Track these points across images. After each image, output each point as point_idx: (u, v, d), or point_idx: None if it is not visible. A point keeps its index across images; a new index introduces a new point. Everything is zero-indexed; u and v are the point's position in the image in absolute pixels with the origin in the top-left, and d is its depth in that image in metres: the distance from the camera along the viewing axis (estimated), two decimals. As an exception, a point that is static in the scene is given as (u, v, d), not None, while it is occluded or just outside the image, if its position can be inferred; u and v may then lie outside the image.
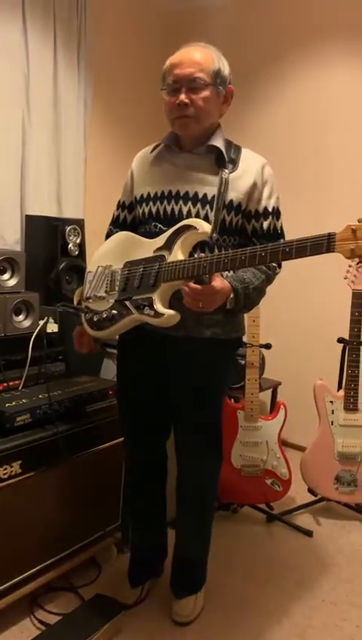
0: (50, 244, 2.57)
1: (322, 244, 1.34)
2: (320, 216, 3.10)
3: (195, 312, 1.56)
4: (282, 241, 1.72)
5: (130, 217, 1.85)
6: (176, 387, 1.78)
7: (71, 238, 2.59)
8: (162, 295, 1.59)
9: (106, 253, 1.79)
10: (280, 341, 2.91)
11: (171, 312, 1.57)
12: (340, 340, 2.62)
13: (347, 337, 2.57)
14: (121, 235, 1.78)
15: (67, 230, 2.58)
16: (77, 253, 2.62)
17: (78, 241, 2.63)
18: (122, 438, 2.06)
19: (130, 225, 1.84)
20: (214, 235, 1.59)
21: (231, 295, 1.57)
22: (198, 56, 1.61)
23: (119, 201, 1.88)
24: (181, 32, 3.59)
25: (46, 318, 2.23)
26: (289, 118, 3.32)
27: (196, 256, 1.57)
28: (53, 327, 2.24)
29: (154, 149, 1.77)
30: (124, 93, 3.44)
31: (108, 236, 1.87)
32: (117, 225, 1.88)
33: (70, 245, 2.59)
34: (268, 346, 2.64)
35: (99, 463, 2.03)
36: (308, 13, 3.18)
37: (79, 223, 2.65)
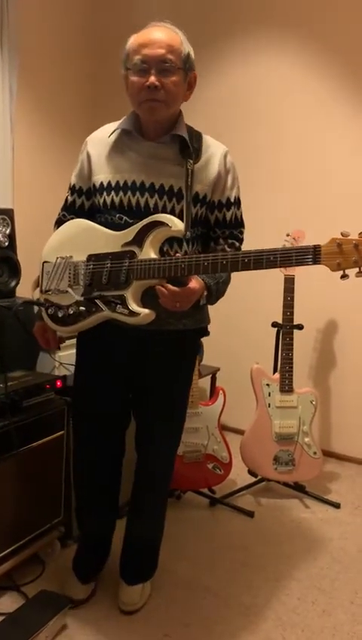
0: (-23, 235, 2.47)
1: (308, 256, 1.36)
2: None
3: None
4: (242, 230, 1.74)
5: (88, 204, 1.73)
6: (145, 377, 1.75)
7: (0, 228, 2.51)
8: (134, 293, 1.52)
9: (64, 243, 1.66)
10: (218, 328, 2.93)
11: (147, 311, 1.50)
12: (274, 325, 2.68)
13: (280, 322, 2.64)
14: (80, 224, 1.67)
15: (-5, 221, 2.49)
16: (7, 244, 2.53)
17: (8, 231, 2.54)
18: (62, 432, 2.04)
19: (87, 212, 1.73)
20: (188, 233, 1.56)
21: (205, 292, 1.57)
22: (169, 38, 1.53)
23: (74, 186, 1.75)
24: (108, 11, 3.52)
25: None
26: (225, 106, 3.32)
27: (165, 250, 1.54)
28: (-17, 322, 2.16)
29: (111, 132, 1.66)
30: (52, 78, 3.35)
31: (60, 222, 1.74)
32: (72, 211, 1.75)
33: (-1, 236, 2.50)
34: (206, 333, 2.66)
35: (39, 458, 1.99)
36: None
37: (8, 213, 2.56)
